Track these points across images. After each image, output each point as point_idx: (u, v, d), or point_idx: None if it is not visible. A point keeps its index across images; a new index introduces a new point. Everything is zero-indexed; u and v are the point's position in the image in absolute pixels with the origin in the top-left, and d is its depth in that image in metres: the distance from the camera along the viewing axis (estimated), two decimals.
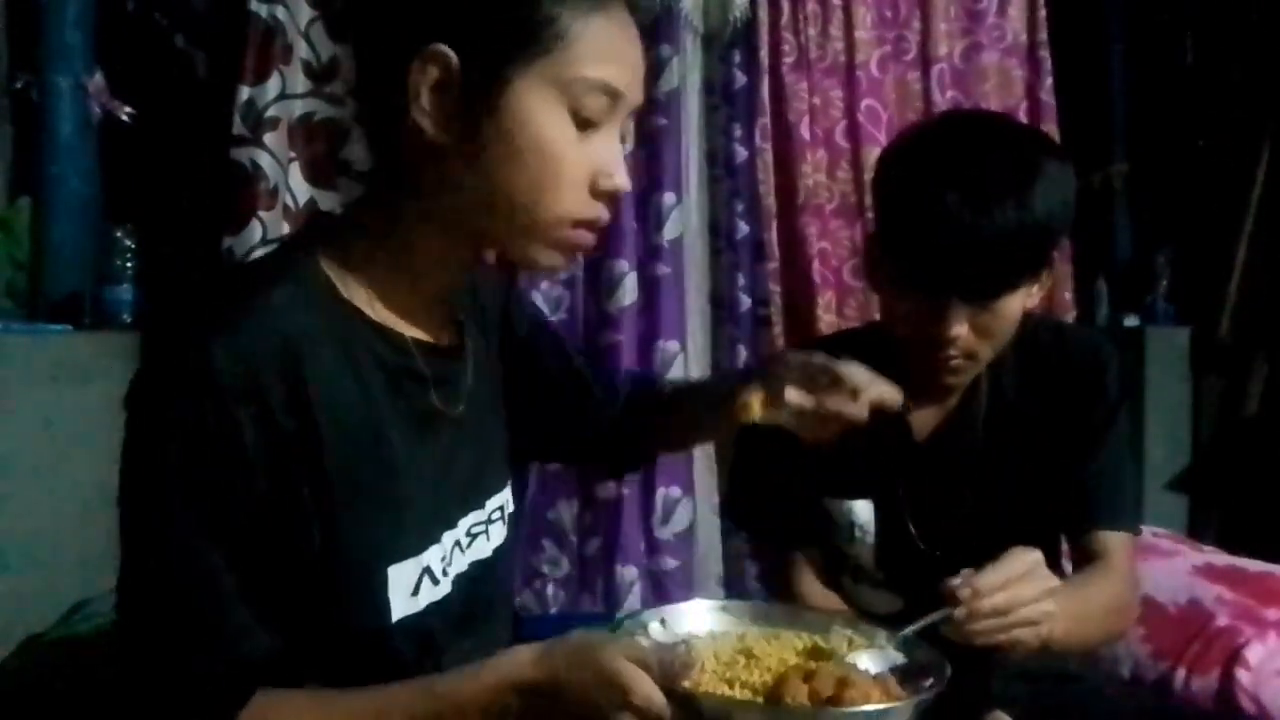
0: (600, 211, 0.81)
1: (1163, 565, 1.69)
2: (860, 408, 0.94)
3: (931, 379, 1.15)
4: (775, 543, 1.31)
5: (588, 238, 0.82)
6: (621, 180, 0.81)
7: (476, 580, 0.89)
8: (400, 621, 0.79)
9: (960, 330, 1.07)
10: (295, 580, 0.75)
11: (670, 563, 2.12)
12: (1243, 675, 1.47)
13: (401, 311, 0.83)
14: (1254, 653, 1.48)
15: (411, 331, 0.84)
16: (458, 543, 0.87)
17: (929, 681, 0.82)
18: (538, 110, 0.76)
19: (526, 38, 0.75)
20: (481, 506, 0.91)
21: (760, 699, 0.79)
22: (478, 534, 0.90)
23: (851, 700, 0.76)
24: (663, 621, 0.91)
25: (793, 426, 0.98)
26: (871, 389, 0.95)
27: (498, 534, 0.94)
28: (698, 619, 0.94)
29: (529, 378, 1.05)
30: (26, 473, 1.68)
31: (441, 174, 0.78)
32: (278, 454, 0.73)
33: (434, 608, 0.82)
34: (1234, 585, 1.62)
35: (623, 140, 0.83)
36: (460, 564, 0.87)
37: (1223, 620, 1.55)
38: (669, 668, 0.74)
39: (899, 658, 0.89)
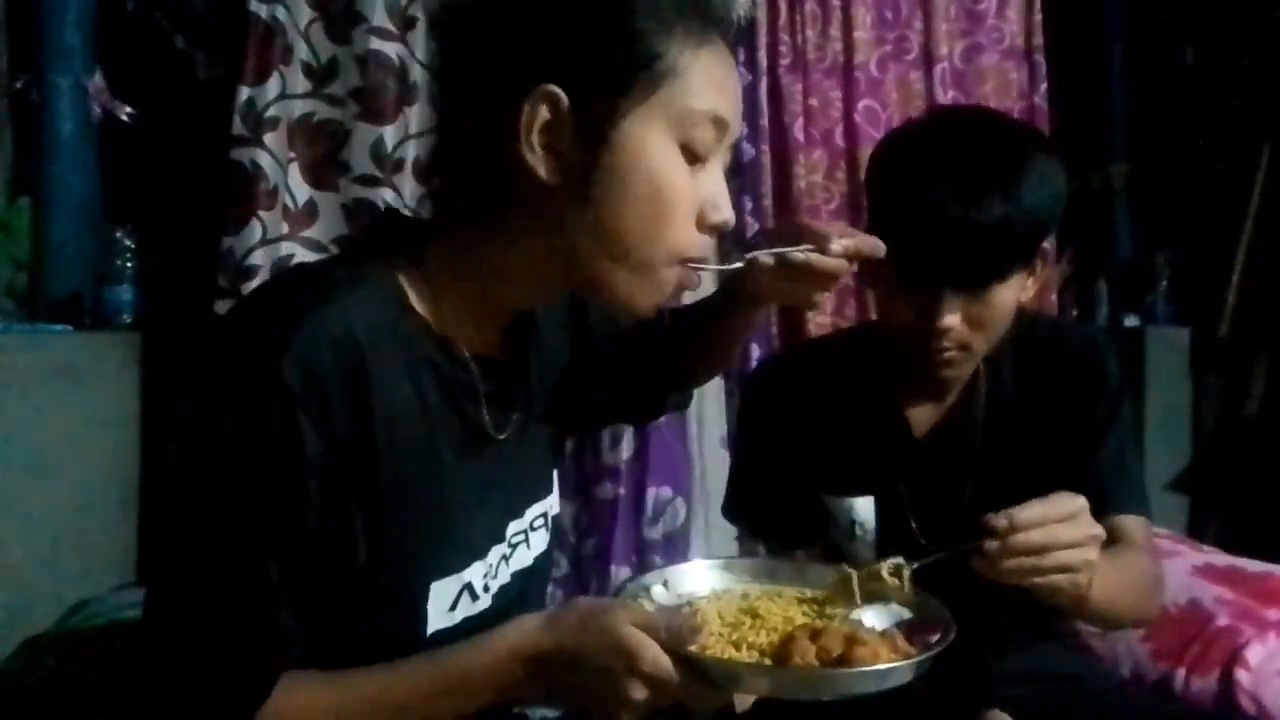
0: (708, 248, 0.81)
1: (1163, 565, 1.69)
2: (835, 261, 0.91)
3: (928, 373, 1.15)
4: (776, 541, 1.31)
5: (692, 279, 0.81)
6: (728, 214, 0.80)
7: (516, 593, 0.89)
8: (434, 634, 0.80)
9: (953, 321, 1.07)
10: (338, 588, 0.75)
11: (659, 563, 2.12)
12: (1243, 675, 1.47)
13: (466, 329, 0.83)
14: (1254, 653, 1.48)
15: (472, 348, 0.83)
16: (504, 556, 0.87)
17: (936, 636, 0.81)
18: (651, 145, 0.75)
19: (637, 74, 0.74)
20: (521, 515, 0.91)
21: (768, 660, 0.78)
22: (519, 544, 0.90)
23: (860, 659, 0.75)
24: (665, 583, 0.91)
25: (781, 297, 0.98)
26: (843, 239, 0.92)
27: (539, 541, 0.94)
28: (700, 578, 0.94)
29: (594, 367, 1.05)
30: (26, 473, 1.68)
31: (547, 213, 0.77)
32: (334, 461, 0.72)
33: (469, 622, 0.82)
34: (1234, 585, 1.62)
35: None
36: (504, 576, 0.87)
37: (1223, 620, 1.54)
38: (677, 632, 0.74)
39: (905, 613, 0.88)
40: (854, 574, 0.92)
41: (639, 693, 0.72)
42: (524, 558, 0.91)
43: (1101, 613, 1.01)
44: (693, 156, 0.77)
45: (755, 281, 0.96)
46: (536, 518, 0.93)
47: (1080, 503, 0.89)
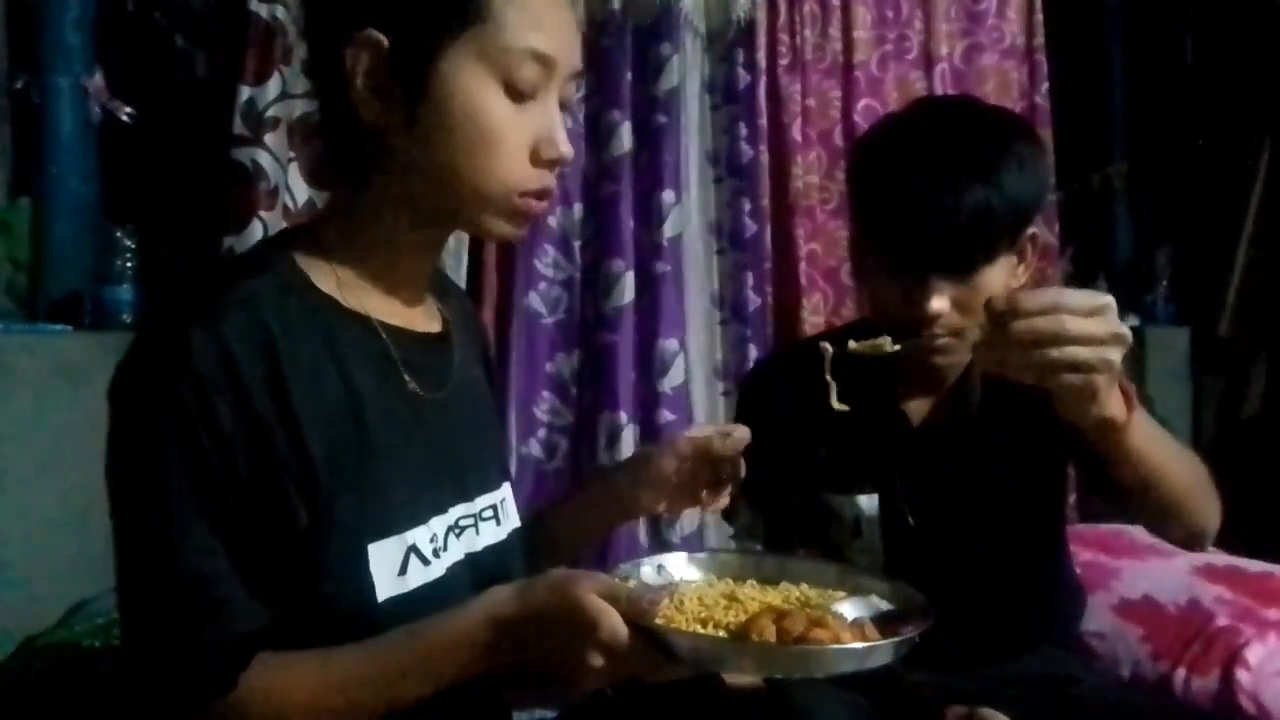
0: (546, 181, 0.83)
1: (1163, 565, 1.69)
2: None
3: (923, 363, 1.14)
4: (775, 541, 1.31)
5: (538, 206, 0.84)
6: (564, 148, 0.82)
7: (476, 573, 0.89)
8: (389, 601, 0.80)
9: (942, 306, 1.07)
10: (285, 558, 0.77)
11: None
12: (1243, 675, 1.46)
13: (373, 298, 0.86)
14: (1254, 653, 1.48)
15: (385, 318, 0.86)
16: (450, 528, 0.88)
17: (909, 627, 0.80)
18: (468, 84, 0.78)
19: (450, 14, 0.77)
20: (470, 499, 0.92)
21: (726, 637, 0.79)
22: (467, 526, 0.91)
23: (818, 640, 0.75)
24: (659, 568, 0.92)
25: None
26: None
27: (489, 532, 0.94)
28: (695, 566, 0.95)
29: None
30: (26, 473, 1.68)
31: (389, 156, 0.81)
32: (257, 439, 0.75)
33: (428, 591, 0.83)
34: (1234, 585, 1.62)
35: (564, 106, 0.85)
36: (456, 552, 0.88)
37: (1223, 620, 1.54)
38: (637, 603, 0.74)
39: (884, 605, 0.88)
40: (829, 350, 0.98)
41: (596, 660, 0.73)
42: (474, 542, 0.91)
43: (1148, 463, 0.92)
44: (517, 94, 0.79)
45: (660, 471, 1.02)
46: (485, 508, 0.94)
47: (1104, 300, 0.81)
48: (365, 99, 0.78)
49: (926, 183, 1.04)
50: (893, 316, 1.12)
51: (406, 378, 0.86)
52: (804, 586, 0.92)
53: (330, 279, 0.83)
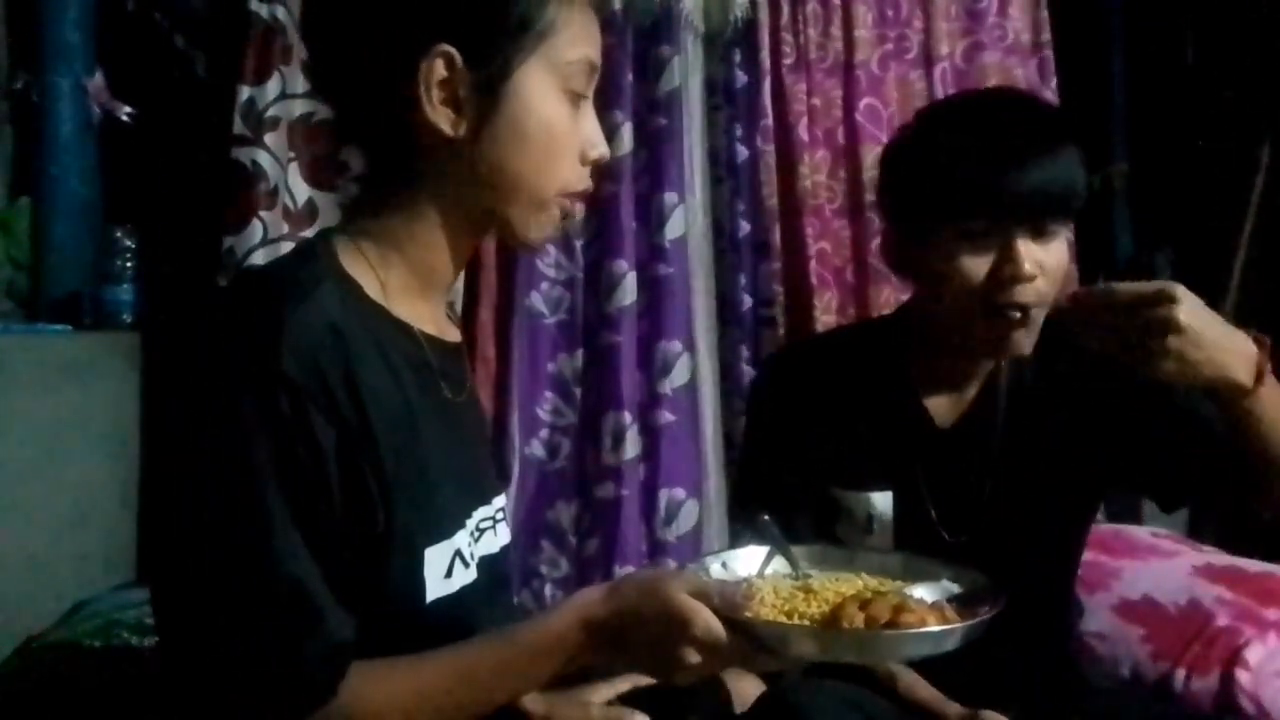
0: (588, 181, 0.91)
1: (1163, 565, 1.69)
2: None
3: (999, 341, 1.11)
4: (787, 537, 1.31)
5: (578, 207, 0.92)
6: (605, 149, 0.91)
7: (493, 572, 0.92)
8: (434, 602, 0.82)
9: (1034, 267, 1.07)
10: (358, 564, 0.78)
11: (673, 565, 2.11)
12: (1243, 676, 1.46)
13: (412, 304, 0.88)
14: (1254, 653, 1.48)
15: (422, 325, 0.88)
16: (472, 533, 0.90)
17: (985, 608, 0.83)
18: (540, 95, 0.83)
19: (522, 30, 0.81)
20: (487, 502, 0.94)
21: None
22: (486, 529, 0.93)
23: (907, 625, 0.78)
24: (724, 565, 0.94)
25: None
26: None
27: (503, 534, 0.97)
28: (756, 561, 0.97)
29: None
30: (26, 473, 1.68)
31: (449, 164, 0.83)
32: (345, 445, 0.76)
33: (466, 591, 0.85)
34: (1234, 585, 1.62)
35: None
36: (477, 554, 0.90)
37: (1223, 620, 1.54)
38: (730, 599, 0.78)
39: (955, 588, 0.91)
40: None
41: (692, 657, 0.76)
42: (491, 544, 0.93)
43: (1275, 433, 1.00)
44: (574, 99, 0.86)
45: None
46: (498, 510, 0.97)
47: (1187, 296, 0.94)
48: (438, 109, 0.81)
49: (1016, 140, 1.06)
50: (979, 293, 1.08)
51: (443, 385, 0.89)
52: (865, 576, 0.94)
53: (375, 286, 0.84)
